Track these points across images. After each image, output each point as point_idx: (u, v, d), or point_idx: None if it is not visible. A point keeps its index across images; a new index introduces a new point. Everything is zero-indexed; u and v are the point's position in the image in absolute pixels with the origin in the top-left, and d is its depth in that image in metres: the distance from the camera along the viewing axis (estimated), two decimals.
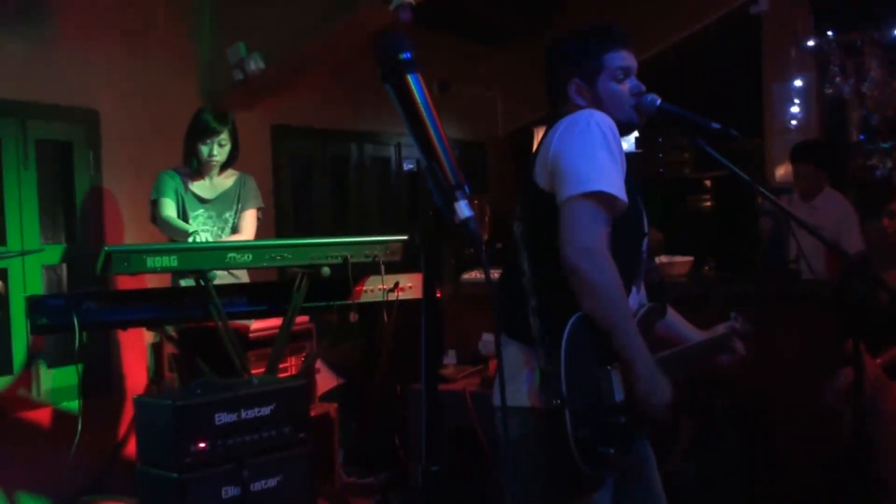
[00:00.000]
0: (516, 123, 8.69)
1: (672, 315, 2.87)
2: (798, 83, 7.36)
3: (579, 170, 2.36)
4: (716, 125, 2.57)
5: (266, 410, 3.40)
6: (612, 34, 2.63)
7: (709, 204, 8.30)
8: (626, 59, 2.62)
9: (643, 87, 2.63)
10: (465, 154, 9.22)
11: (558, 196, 2.39)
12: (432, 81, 8.43)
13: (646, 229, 2.65)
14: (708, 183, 8.28)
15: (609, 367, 2.40)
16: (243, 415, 3.32)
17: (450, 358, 5.26)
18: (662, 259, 5.58)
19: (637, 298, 2.63)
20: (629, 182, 2.52)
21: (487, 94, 8.92)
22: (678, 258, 5.59)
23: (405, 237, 4.32)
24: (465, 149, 9.20)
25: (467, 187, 1.53)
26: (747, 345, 2.91)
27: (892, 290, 4.31)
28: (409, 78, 1.57)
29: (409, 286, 4.38)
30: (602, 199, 2.34)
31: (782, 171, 7.54)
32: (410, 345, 4.91)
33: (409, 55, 1.57)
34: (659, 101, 2.61)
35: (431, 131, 1.56)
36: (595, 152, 2.37)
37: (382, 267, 4.22)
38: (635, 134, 8.92)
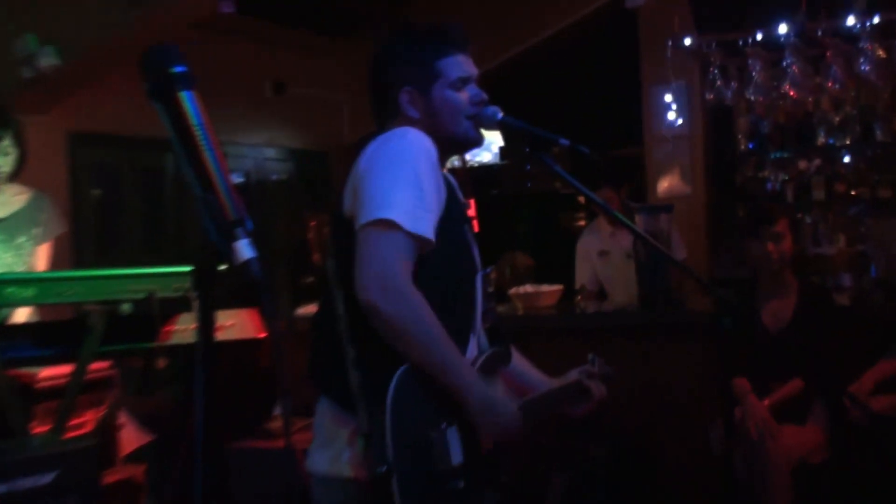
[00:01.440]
0: (365, 128, 8.72)
1: (518, 361, 2.88)
2: (677, 86, 7.52)
3: (375, 194, 2.35)
4: (564, 141, 2.62)
5: (47, 478, 3.29)
6: (448, 37, 2.65)
7: (584, 223, 8.34)
8: (463, 65, 2.64)
9: (484, 96, 2.65)
10: (305, 165, 9.21)
11: (355, 223, 2.39)
12: (265, 81, 8.42)
13: (478, 265, 2.66)
14: (582, 199, 8.37)
15: (444, 426, 2.38)
16: (18, 484, 3.20)
17: (281, 407, 5.20)
18: (528, 289, 5.70)
19: (475, 344, 2.63)
20: (456, 210, 2.53)
21: (331, 95, 8.92)
22: (545, 287, 5.71)
23: (224, 266, 4.26)
24: (304, 159, 9.19)
25: (249, 223, 1.52)
26: (607, 390, 2.93)
27: (761, 326, 4.48)
28: (182, 95, 1.56)
29: (231, 324, 4.32)
30: (397, 226, 2.34)
31: (665, 185, 7.74)
32: (234, 394, 4.85)
33: (182, 68, 1.55)
34: (500, 115, 2.64)
35: (208, 158, 1.54)
36: (398, 176, 2.36)
37: (195, 303, 4.15)
38: (499, 143, 9.09)
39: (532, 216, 8.86)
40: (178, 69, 1.57)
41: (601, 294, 6.31)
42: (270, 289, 1.57)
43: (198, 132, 1.57)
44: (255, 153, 8.77)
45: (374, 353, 2.35)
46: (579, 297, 6.06)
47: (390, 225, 2.31)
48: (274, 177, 9.08)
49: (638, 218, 5.17)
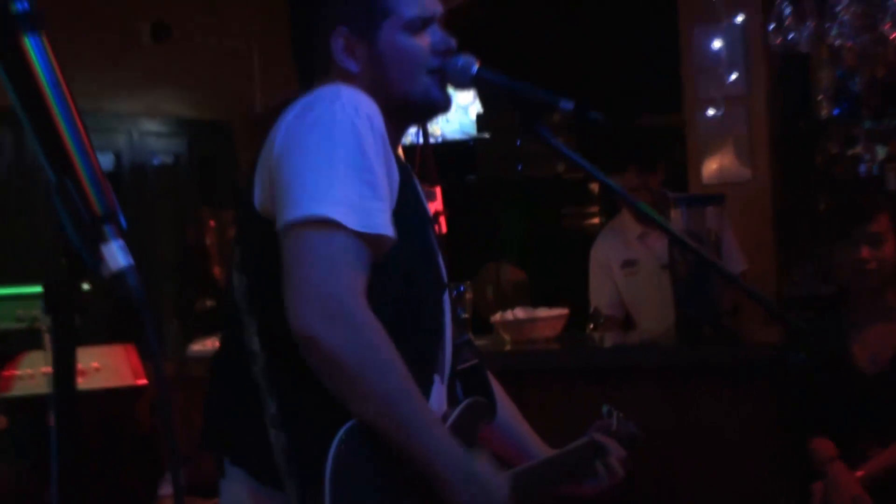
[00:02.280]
0: (284, 90, 8.72)
1: (507, 415, 2.91)
2: (730, 27, 7.45)
3: (303, 182, 2.34)
4: (567, 104, 2.63)
5: None
6: None
7: (597, 221, 8.46)
8: None
9: (452, 43, 2.67)
10: (201, 141, 9.21)
11: (277, 223, 2.36)
12: (141, 23, 8.42)
13: (444, 279, 2.68)
14: (595, 188, 8.47)
15: None
16: None
17: (170, 484, 5.19)
18: (519, 314, 5.70)
19: (443, 393, 2.66)
20: (413, 204, 2.56)
21: (236, 44, 8.93)
22: (543, 312, 5.71)
23: (88, 282, 4.27)
24: (199, 133, 9.19)
25: (123, 219, 1.53)
26: (630, 456, 2.98)
27: (852, 365, 4.49)
28: (27, 42, 1.55)
29: (98, 367, 4.34)
30: (341, 227, 2.31)
31: (714, 166, 7.73)
32: (104, 465, 4.83)
33: (25, 5, 1.55)
34: (476, 68, 2.65)
35: (64, 130, 1.55)
36: (333, 153, 2.36)
37: (47, 337, 4.16)
38: (477, 108, 9.11)
39: (524, 212, 9.07)
40: (20, 6, 1.56)
41: (625, 321, 6.34)
42: (154, 315, 1.57)
43: (49, 94, 1.56)
44: (128, 125, 8.76)
45: (305, 405, 2.37)
46: (592, 326, 6.04)
47: (330, 225, 2.30)
48: (156, 160, 9.07)
49: (676, 213, 5.19)
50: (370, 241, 2.33)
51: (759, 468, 4.70)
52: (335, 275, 2.28)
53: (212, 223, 6.78)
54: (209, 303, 6.86)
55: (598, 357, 5.44)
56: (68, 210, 1.54)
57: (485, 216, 8.86)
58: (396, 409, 2.31)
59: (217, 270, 6.60)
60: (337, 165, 2.34)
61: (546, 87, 2.64)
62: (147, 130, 8.91)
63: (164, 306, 8.27)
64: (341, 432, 2.29)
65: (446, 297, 2.68)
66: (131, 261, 1.52)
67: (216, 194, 8.83)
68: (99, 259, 1.53)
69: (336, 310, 2.26)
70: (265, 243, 2.39)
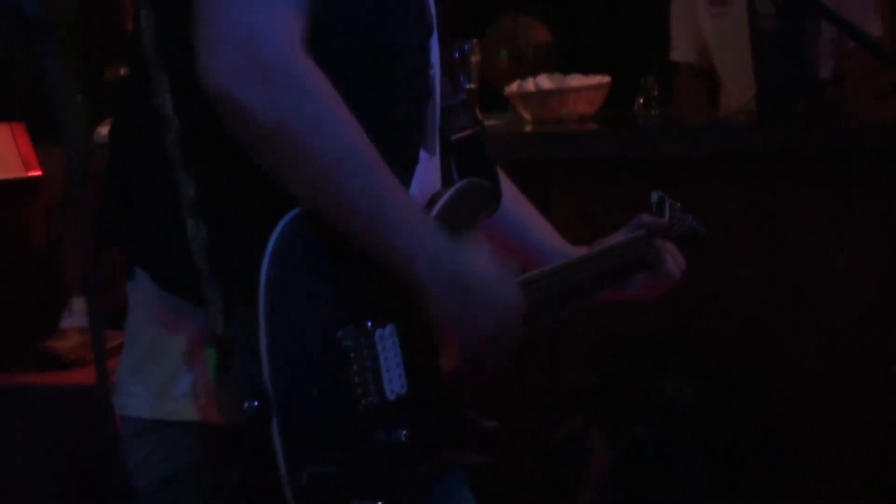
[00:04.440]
0: None
1: (514, 205, 2.95)
2: None
3: None
4: None
5: None
6: None
7: None
8: None
9: None
10: None
11: None
12: None
13: (431, 16, 2.60)
14: None
15: (370, 324, 2.38)
16: None
17: (75, 314, 5.26)
18: (544, 83, 5.68)
19: (434, 169, 2.69)
20: None
21: None
22: (576, 80, 5.67)
23: None
24: None
25: None
26: (691, 256, 3.05)
27: None
28: None
29: None
30: None
31: None
32: None
33: None
34: None
35: None
36: None
37: None
38: None
39: None
40: None
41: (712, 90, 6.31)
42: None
43: None
44: None
45: (233, 186, 2.36)
46: (642, 100, 5.95)
47: None
48: None
49: None
50: None
51: (880, 309, 4.65)
52: (262, 15, 2.23)
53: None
54: (123, 70, 6.71)
55: (648, 141, 5.36)
56: None
57: None
58: (351, 187, 2.29)
59: (132, 25, 6.46)
60: None
61: None
62: None
63: (63, 75, 8.10)
64: (282, 223, 2.27)
65: (434, 44, 2.63)
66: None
67: None
68: None
69: (261, 59, 2.22)
70: None
